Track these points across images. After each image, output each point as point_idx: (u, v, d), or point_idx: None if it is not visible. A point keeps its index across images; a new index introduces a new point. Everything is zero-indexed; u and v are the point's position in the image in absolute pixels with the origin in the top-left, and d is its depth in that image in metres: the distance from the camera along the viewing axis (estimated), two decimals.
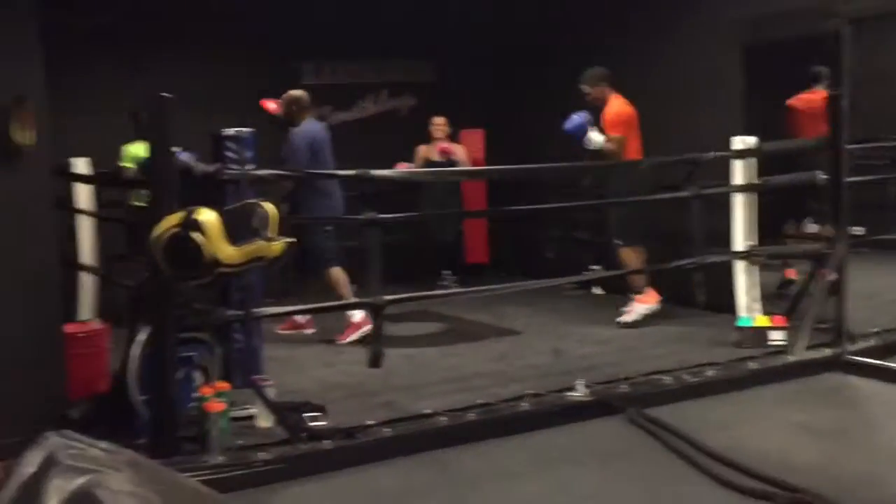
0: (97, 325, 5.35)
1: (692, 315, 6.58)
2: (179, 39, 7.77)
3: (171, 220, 3.80)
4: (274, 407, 4.39)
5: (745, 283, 6.15)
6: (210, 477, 3.70)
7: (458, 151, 8.33)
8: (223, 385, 4.27)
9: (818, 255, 5.78)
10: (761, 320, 5.83)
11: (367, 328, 6.09)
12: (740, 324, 5.88)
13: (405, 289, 5.19)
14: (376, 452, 4.16)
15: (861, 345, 5.54)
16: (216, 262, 3.79)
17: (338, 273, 6.43)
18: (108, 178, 6.26)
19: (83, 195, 6.41)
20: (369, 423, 4.36)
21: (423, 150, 8.35)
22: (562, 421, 4.55)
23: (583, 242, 8.10)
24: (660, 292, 6.63)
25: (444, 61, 9.09)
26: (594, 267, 7.76)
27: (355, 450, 4.15)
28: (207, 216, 3.78)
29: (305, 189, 6.24)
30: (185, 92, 4.53)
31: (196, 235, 3.73)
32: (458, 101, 8.57)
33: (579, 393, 4.78)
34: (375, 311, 4.75)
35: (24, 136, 4.16)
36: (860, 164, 6.56)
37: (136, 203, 6.62)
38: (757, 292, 6.16)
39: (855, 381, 5.22)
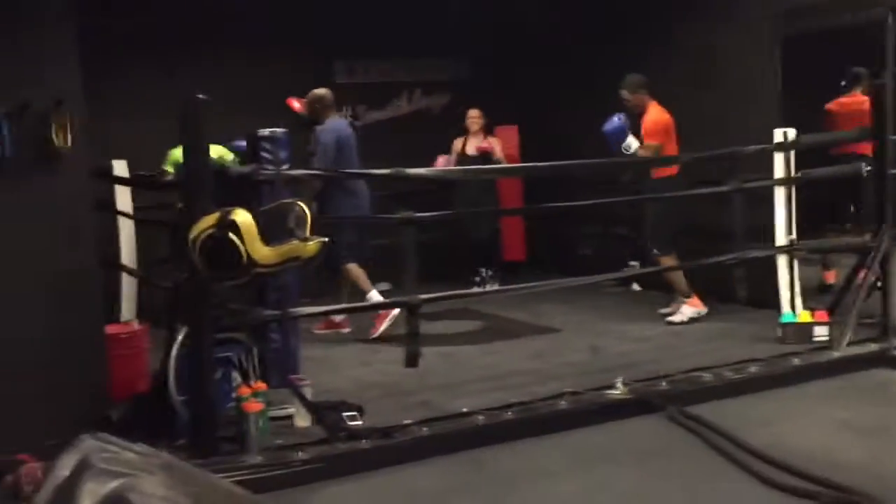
0: (137, 325, 5.41)
1: (733, 311, 6.49)
2: (214, 41, 7.82)
3: (208, 221, 3.82)
4: (311, 406, 4.40)
5: (787, 279, 6.04)
6: (248, 477, 3.73)
7: (495, 147, 8.29)
8: (261, 385, 4.29)
9: (862, 248, 5.67)
10: (804, 316, 5.74)
11: (396, 312, 6.17)
12: (783, 320, 5.79)
13: (441, 287, 5.18)
14: (413, 452, 4.15)
15: None
16: (252, 263, 3.80)
17: (354, 269, 6.48)
18: (146, 181, 6.32)
19: (123, 197, 6.49)
20: (406, 422, 4.36)
21: (458, 143, 8.35)
22: (600, 419, 4.51)
23: (620, 238, 8.03)
24: (701, 289, 6.56)
25: (477, 59, 9.06)
26: (632, 263, 7.69)
27: (392, 449, 4.15)
28: (243, 217, 3.79)
29: (333, 188, 6.29)
30: (220, 93, 4.55)
31: (232, 236, 3.75)
32: (492, 99, 8.53)
33: (618, 391, 4.73)
34: (411, 310, 4.74)
35: (62, 139, 4.21)
36: None
37: (182, 205, 6.67)
38: (799, 287, 6.06)
39: None
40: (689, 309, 6.58)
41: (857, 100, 6.84)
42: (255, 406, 4.08)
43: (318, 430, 4.26)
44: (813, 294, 6.74)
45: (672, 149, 6.51)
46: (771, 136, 5.94)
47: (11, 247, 4.12)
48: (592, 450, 4.22)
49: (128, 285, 6.43)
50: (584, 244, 8.66)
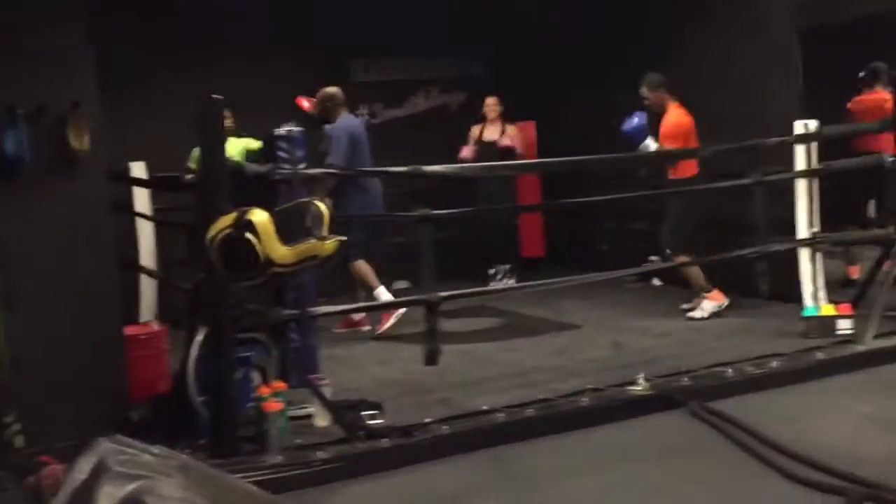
0: (157, 326, 5.42)
1: (755, 305, 6.42)
2: (230, 42, 7.84)
3: (225, 222, 3.82)
4: (331, 406, 4.39)
5: (810, 272, 5.97)
6: (269, 476, 3.73)
7: (515, 137, 8.26)
8: (280, 385, 4.28)
9: (886, 240, 5.59)
10: (827, 309, 5.67)
11: (403, 311, 6.24)
12: (806, 313, 5.72)
13: (458, 284, 5.16)
14: (434, 450, 4.13)
15: None
16: (269, 263, 3.80)
17: (362, 265, 6.47)
18: (164, 182, 6.33)
19: (141, 199, 6.51)
20: (426, 420, 4.34)
21: (476, 130, 8.33)
22: (623, 416, 4.48)
23: (640, 233, 7.98)
24: (722, 283, 6.50)
25: (494, 57, 9.02)
26: (652, 258, 7.64)
27: (413, 448, 4.13)
28: (260, 217, 3.79)
29: (346, 185, 6.30)
30: (236, 93, 4.55)
31: (249, 236, 3.75)
32: (509, 96, 8.50)
33: (640, 387, 4.69)
34: (430, 308, 4.72)
35: (79, 141, 4.22)
36: None
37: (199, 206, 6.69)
38: (822, 280, 5.99)
39: None
40: (710, 303, 6.53)
41: (879, 97, 6.74)
42: (274, 406, 4.08)
43: (338, 430, 4.25)
44: (836, 289, 6.66)
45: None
46: (791, 132, 5.88)
47: (30, 249, 4.13)
48: (615, 447, 4.19)
49: (147, 286, 6.45)
50: (603, 240, 8.60)
